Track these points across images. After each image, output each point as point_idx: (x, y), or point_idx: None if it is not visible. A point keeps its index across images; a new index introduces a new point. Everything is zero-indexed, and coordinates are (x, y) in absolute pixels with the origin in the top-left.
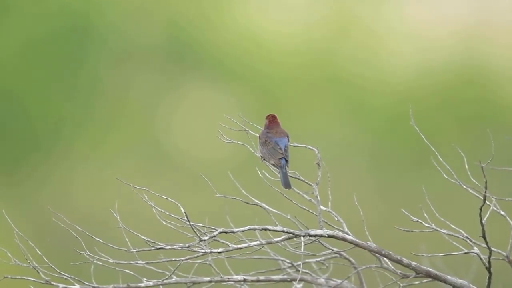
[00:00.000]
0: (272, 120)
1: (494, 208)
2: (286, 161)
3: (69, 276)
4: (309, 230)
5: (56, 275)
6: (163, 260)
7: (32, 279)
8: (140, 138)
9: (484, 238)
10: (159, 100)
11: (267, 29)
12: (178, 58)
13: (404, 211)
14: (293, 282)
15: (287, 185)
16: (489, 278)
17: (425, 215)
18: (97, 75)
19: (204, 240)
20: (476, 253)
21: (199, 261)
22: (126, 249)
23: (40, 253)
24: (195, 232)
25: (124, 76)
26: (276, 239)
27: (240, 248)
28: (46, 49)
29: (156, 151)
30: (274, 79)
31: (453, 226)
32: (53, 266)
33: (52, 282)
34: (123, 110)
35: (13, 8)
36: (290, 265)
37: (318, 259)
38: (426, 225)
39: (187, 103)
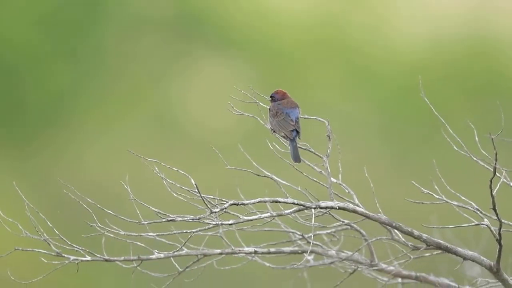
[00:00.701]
0: (282, 97)
1: (504, 180)
2: (298, 132)
3: (80, 248)
4: (320, 202)
5: (67, 247)
6: (174, 232)
7: (43, 251)
8: (151, 111)
9: (495, 210)
10: (169, 73)
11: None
12: (187, 31)
13: (414, 183)
14: (304, 254)
15: (296, 158)
16: (499, 250)
17: (436, 187)
18: (107, 49)
19: (215, 212)
20: (487, 225)
21: (210, 233)
22: (137, 221)
23: (51, 225)
24: (205, 204)
25: (134, 50)
26: (286, 211)
27: (251, 220)
28: (56, 23)
29: (167, 124)
30: (283, 50)
31: (463, 198)
32: (64, 238)
33: (63, 254)
34: (134, 84)
35: None
36: (300, 237)
37: (328, 231)
38: (437, 197)
39: (197, 76)
